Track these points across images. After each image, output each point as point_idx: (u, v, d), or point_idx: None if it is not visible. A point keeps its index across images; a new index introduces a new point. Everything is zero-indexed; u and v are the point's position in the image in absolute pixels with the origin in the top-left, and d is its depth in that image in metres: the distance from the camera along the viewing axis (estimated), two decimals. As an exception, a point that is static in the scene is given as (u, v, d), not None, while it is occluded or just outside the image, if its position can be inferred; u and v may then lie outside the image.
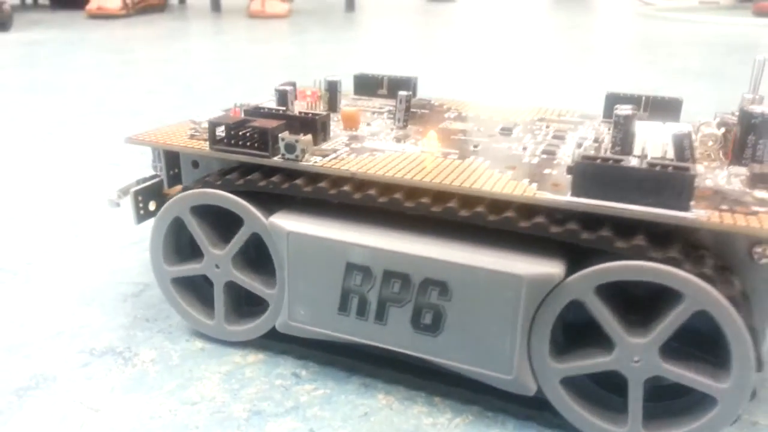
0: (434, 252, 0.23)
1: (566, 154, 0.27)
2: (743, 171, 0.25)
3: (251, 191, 0.26)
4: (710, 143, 0.26)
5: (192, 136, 0.29)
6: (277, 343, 0.29)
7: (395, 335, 0.25)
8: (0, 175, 0.53)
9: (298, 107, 0.34)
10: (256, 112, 0.28)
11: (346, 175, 0.25)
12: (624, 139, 0.27)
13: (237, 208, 0.26)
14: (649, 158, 0.24)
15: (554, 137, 0.30)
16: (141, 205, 0.31)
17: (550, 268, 0.22)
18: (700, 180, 0.24)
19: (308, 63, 1.14)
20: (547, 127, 0.33)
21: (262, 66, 1.09)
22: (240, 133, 0.27)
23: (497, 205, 0.23)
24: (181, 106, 0.78)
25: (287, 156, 0.26)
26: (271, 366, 0.29)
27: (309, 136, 0.26)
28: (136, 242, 0.40)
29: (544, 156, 0.27)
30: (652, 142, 0.28)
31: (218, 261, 0.28)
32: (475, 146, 0.29)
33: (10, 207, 0.46)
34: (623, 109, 0.27)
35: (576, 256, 0.22)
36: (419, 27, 1.82)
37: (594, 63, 1.18)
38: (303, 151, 0.26)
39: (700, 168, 0.25)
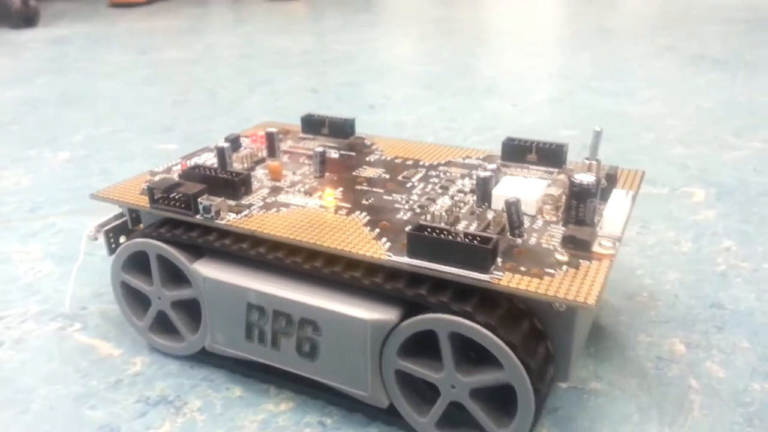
0: (307, 298, 0.30)
1: (437, 209, 0.33)
2: (562, 231, 0.30)
3: (179, 241, 0.33)
4: (548, 204, 0.31)
5: (145, 190, 0.36)
6: (306, 387, 0.33)
7: (286, 359, 0.32)
8: (45, 209, 0.57)
9: (243, 152, 0.40)
10: (189, 173, 0.35)
11: (247, 233, 0.32)
12: (483, 197, 0.33)
13: (168, 255, 0.33)
14: (472, 229, 0.30)
15: (441, 187, 0.36)
16: (112, 240, 0.39)
17: (388, 315, 0.28)
18: (525, 240, 0.30)
19: (326, 58, 1.19)
20: (444, 174, 0.38)
21: (282, 63, 1.15)
22: (171, 195, 0.33)
23: (353, 262, 0.29)
24: (207, 117, 0.84)
25: (205, 215, 0.33)
26: (300, 414, 0.33)
27: (222, 199, 0.33)
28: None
29: (417, 210, 0.33)
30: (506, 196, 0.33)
31: (159, 294, 0.35)
32: (367, 199, 0.35)
33: (59, 246, 0.51)
34: (484, 171, 0.33)
35: (415, 305, 0.29)
36: (442, 7, 1.84)
37: (609, 49, 1.19)
38: (218, 212, 0.32)
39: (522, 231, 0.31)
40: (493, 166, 0.35)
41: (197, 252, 0.34)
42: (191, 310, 0.35)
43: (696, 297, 0.42)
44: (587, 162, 0.33)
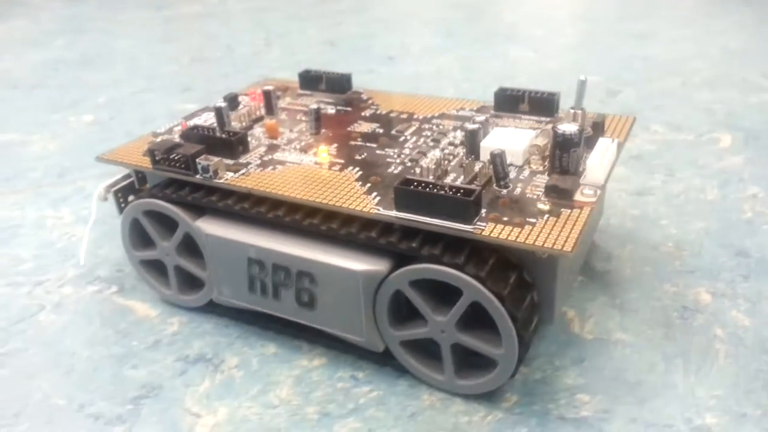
0: (303, 252, 0.31)
1: (427, 162, 0.34)
2: (545, 180, 0.31)
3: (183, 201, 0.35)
4: (534, 155, 0.32)
5: (147, 151, 0.38)
6: (337, 343, 0.34)
7: (288, 309, 0.33)
8: (74, 173, 0.59)
9: (242, 111, 0.41)
10: (189, 134, 0.37)
11: (244, 192, 0.33)
12: (472, 149, 0.34)
13: (173, 214, 0.35)
14: (459, 181, 0.31)
15: (433, 140, 0.37)
16: (122, 200, 0.41)
17: (378, 266, 0.30)
18: (510, 191, 0.31)
19: (342, 8, 1.17)
20: (437, 126, 0.39)
21: (298, 15, 1.14)
22: (171, 156, 0.35)
23: (347, 217, 0.31)
24: (225, 75, 0.84)
25: (204, 175, 0.34)
26: (332, 369, 0.34)
27: (220, 159, 0.34)
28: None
29: (408, 164, 0.34)
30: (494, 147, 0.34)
31: (167, 251, 0.37)
32: (360, 155, 0.36)
33: (90, 210, 0.51)
34: (472, 124, 0.34)
35: (403, 258, 0.30)
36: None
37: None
38: (215, 171, 0.34)
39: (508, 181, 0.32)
40: (482, 118, 0.36)
41: (196, 211, 0.35)
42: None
43: (722, 246, 0.42)
44: (572, 111, 0.33)
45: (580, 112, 0.33)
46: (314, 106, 0.39)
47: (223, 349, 0.36)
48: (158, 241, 0.37)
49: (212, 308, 0.38)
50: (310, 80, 0.47)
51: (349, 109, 0.43)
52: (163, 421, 0.32)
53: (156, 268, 0.39)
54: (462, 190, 0.28)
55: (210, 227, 0.34)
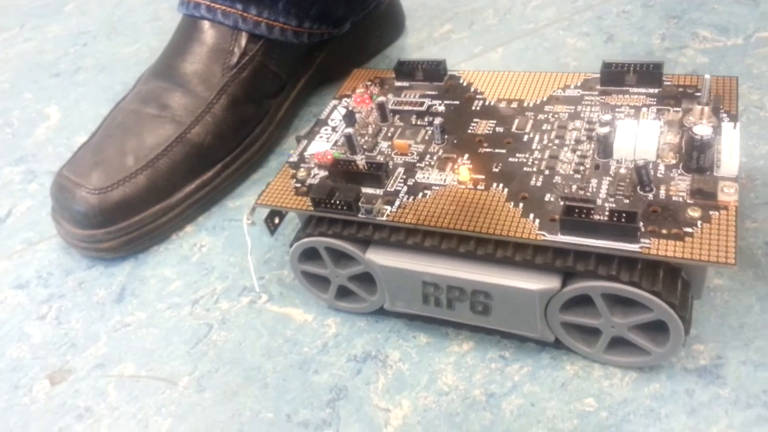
0: (478, 276, 0.36)
1: (565, 163, 0.37)
2: (687, 181, 0.34)
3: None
4: (670, 155, 0.35)
5: (296, 190, 0.41)
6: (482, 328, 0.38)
7: (462, 316, 0.39)
8: None
9: (360, 124, 0.44)
10: (335, 171, 0.40)
11: (410, 227, 0.37)
12: (605, 151, 0.37)
13: (347, 251, 0.39)
14: (604, 188, 0.34)
15: (556, 137, 0.40)
16: (269, 222, 0.45)
17: (551, 284, 0.34)
18: (655, 194, 0.34)
19: None
20: (553, 116, 0.42)
21: None
22: (331, 201, 0.38)
23: (515, 244, 0.35)
24: None
25: (368, 216, 0.38)
26: (483, 352, 0.37)
27: (379, 202, 0.38)
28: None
29: (547, 173, 0.38)
30: (630, 148, 0.37)
31: (338, 275, 0.42)
32: (496, 166, 0.39)
33: (204, 216, 0.54)
34: (602, 127, 0.37)
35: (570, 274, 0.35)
36: None
37: None
38: (378, 211, 0.38)
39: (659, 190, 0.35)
40: (608, 117, 0.38)
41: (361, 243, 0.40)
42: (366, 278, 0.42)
43: None
44: (699, 108, 0.36)
45: (707, 108, 0.36)
46: (438, 120, 0.41)
47: (383, 345, 0.40)
48: (332, 268, 0.41)
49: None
50: (406, 72, 0.48)
51: (456, 102, 0.45)
52: (361, 420, 0.36)
53: (316, 277, 0.44)
54: (624, 215, 0.32)
55: (381, 259, 0.38)
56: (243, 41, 0.55)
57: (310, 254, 0.42)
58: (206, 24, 0.55)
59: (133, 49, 0.81)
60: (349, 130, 0.42)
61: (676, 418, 0.35)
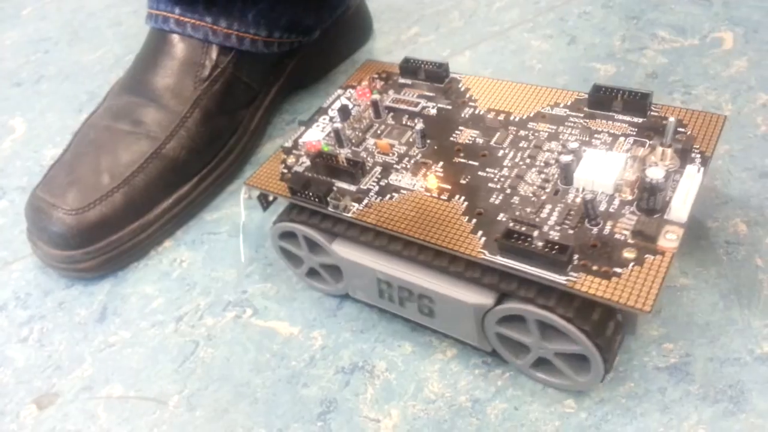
0: (421, 281, 0.38)
1: (527, 185, 0.39)
2: (634, 221, 0.35)
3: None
4: (627, 191, 0.36)
5: (282, 175, 0.44)
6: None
7: (412, 315, 0.41)
8: None
9: (354, 117, 0.46)
10: (316, 163, 0.43)
11: (370, 226, 0.40)
12: (566, 178, 0.38)
13: (312, 237, 0.43)
14: (555, 215, 0.35)
15: (529, 156, 0.41)
16: (263, 200, 0.48)
17: (485, 300, 0.36)
18: (600, 228, 0.35)
19: None
20: (533, 134, 0.42)
21: None
22: (305, 192, 0.41)
23: (467, 261, 0.37)
24: None
25: (335, 210, 0.41)
26: (466, 358, 0.37)
27: (347, 197, 0.40)
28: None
29: (508, 191, 0.39)
30: (590, 179, 0.37)
31: (309, 258, 0.45)
32: (465, 178, 0.41)
33: (182, 230, 0.53)
34: (565, 156, 0.37)
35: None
36: None
37: None
38: (345, 207, 0.40)
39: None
40: (575, 145, 0.39)
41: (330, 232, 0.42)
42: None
43: (745, 169, 0.44)
44: (661, 150, 0.36)
45: (669, 151, 0.36)
46: (419, 126, 0.43)
47: (369, 355, 0.40)
48: (306, 252, 0.45)
49: (345, 315, 0.46)
50: (410, 69, 0.50)
51: (449, 107, 0.47)
52: (353, 431, 0.36)
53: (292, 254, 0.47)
54: (557, 247, 0.33)
55: (344, 252, 0.41)
56: (214, 54, 0.55)
57: (290, 234, 0.45)
58: (176, 37, 0.54)
59: (97, 56, 0.78)
60: (338, 125, 0.44)
61: (651, 415, 0.36)
